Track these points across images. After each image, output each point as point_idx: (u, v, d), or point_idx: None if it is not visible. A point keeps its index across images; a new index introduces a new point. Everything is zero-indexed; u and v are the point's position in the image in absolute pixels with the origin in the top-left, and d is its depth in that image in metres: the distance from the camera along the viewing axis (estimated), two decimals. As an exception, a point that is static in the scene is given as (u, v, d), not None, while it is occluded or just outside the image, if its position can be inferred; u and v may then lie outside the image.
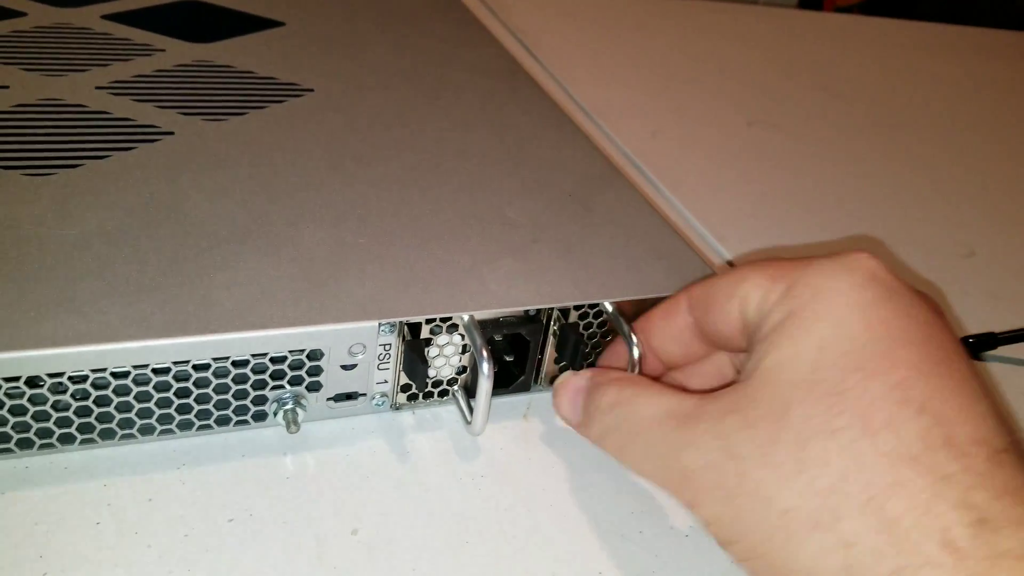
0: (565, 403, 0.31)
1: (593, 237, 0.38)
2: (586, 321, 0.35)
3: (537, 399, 0.36)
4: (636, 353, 0.33)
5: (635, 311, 0.34)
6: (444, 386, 0.34)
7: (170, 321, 0.29)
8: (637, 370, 0.33)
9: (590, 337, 0.35)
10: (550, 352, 0.35)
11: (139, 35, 0.51)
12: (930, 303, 0.27)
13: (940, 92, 0.81)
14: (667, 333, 0.32)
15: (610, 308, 0.34)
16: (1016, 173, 0.66)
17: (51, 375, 0.28)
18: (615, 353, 0.35)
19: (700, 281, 0.31)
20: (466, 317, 0.32)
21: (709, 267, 0.37)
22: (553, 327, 0.35)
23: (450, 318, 0.32)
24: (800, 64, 0.81)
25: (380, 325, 0.31)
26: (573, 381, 0.31)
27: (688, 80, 0.73)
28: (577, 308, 0.34)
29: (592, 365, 0.36)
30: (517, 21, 0.79)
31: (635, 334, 0.33)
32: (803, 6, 1.86)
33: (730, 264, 0.47)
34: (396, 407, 0.34)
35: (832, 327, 0.25)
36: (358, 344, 0.31)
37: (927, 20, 1.06)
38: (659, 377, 0.34)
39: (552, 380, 0.35)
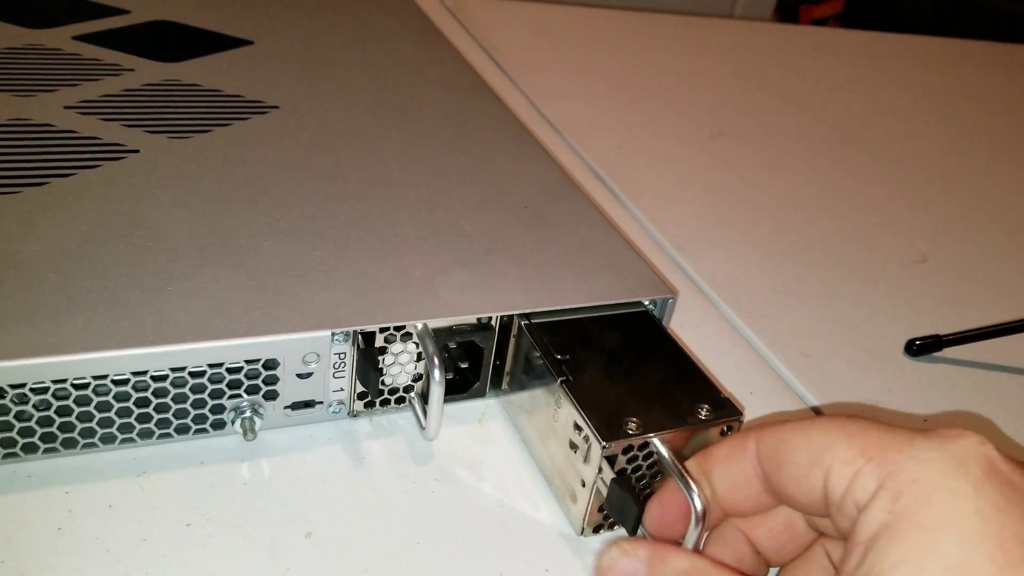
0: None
1: (547, 248, 0.39)
2: (635, 464, 0.30)
3: (492, 405, 0.37)
4: (699, 505, 0.27)
5: (689, 447, 0.31)
6: (400, 393, 0.36)
7: (129, 333, 0.30)
8: (701, 528, 0.27)
9: (639, 479, 0.31)
10: (509, 360, 0.36)
11: (109, 55, 0.52)
12: None
13: (904, 102, 0.83)
14: (730, 478, 0.27)
15: (662, 448, 0.30)
16: (970, 181, 0.67)
17: (13, 386, 0.29)
18: (669, 500, 0.29)
19: (770, 427, 0.27)
20: (419, 325, 0.33)
21: (659, 278, 0.38)
22: (513, 333, 0.36)
23: (404, 327, 0.33)
24: (769, 77, 0.83)
25: (334, 334, 0.32)
26: (624, 566, 0.26)
27: (656, 93, 0.74)
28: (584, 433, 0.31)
29: (644, 501, 0.30)
30: (488, 36, 0.80)
31: (693, 480, 0.28)
32: (782, 17, 1.88)
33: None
34: (353, 414, 0.35)
35: (958, 547, 0.21)
36: (312, 353, 0.32)
37: (909, 32, 1.08)
38: (717, 524, 0.29)
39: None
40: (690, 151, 0.64)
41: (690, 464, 0.29)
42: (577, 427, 0.31)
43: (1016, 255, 0.57)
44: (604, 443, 0.29)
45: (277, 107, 0.48)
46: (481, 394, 0.37)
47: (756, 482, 0.27)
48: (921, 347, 0.44)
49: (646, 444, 0.30)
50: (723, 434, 0.31)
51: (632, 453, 0.30)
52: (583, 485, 0.31)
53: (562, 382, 0.32)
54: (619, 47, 0.85)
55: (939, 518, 0.21)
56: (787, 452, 0.25)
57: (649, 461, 0.31)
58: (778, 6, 1.76)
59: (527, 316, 0.35)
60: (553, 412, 0.33)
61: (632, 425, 0.30)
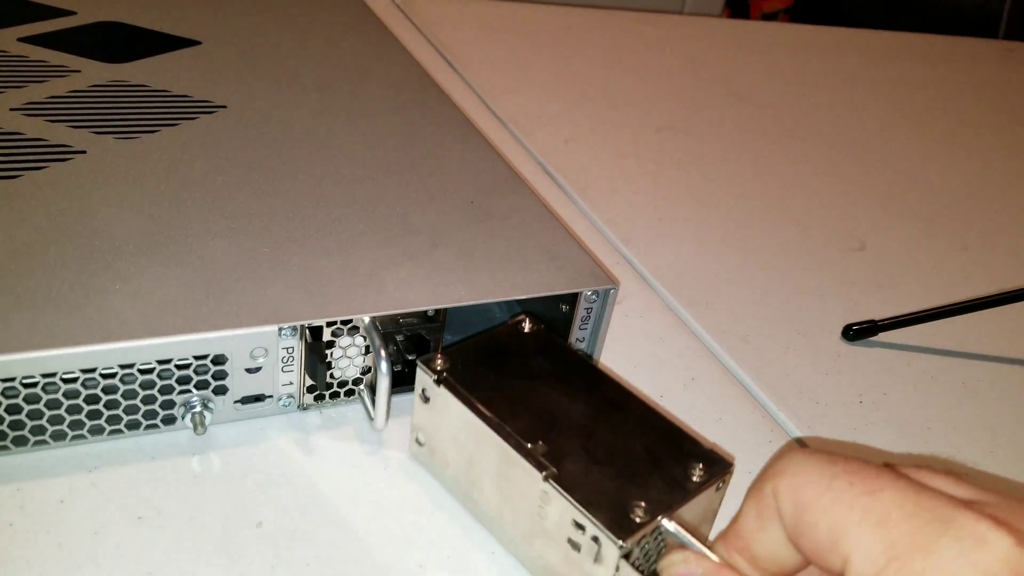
0: None
1: (491, 241, 0.40)
2: (646, 550, 0.28)
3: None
4: None
5: (686, 512, 0.29)
6: (350, 386, 0.36)
7: (76, 331, 0.30)
8: None
9: (647, 556, 0.29)
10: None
11: (56, 56, 0.52)
12: None
13: (844, 95, 0.85)
14: (765, 541, 0.25)
15: (671, 527, 0.28)
16: (908, 171, 0.70)
17: (-39, 386, 0.29)
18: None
19: (788, 481, 0.24)
20: (366, 319, 0.34)
21: (600, 268, 0.39)
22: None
23: (351, 320, 0.34)
24: (715, 72, 0.85)
25: (281, 329, 0.33)
26: (684, 571, 0.26)
27: (605, 89, 0.75)
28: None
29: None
30: (438, 33, 0.81)
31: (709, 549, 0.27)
32: (732, 11, 1.91)
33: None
34: (303, 407, 0.36)
35: None
36: (260, 348, 0.33)
37: (855, 25, 1.11)
38: None
39: None
40: (636, 145, 0.65)
41: (720, 541, 0.26)
42: (579, 526, 0.28)
43: (950, 242, 0.59)
44: (620, 542, 0.27)
45: (225, 107, 0.49)
46: (429, 385, 0.38)
47: (785, 541, 0.25)
48: (857, 332, 0.46)
49: (656, 527, 0.28)
50: (717, 490, 0.30)
51: (644, 540, 0.28)
52: None
53: (547, 476, 0.29)
54: (569, 43, 0.86)
55: None
56: (807, 525, 0.24)
57: (657, 539, 0.28)
58: (728, 1, 1.78)
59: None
60: (538, 509, 0.29)
61: (639, 512, 0.27)
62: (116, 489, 0.31)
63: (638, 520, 0.27)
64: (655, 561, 0.29)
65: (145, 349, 0.31)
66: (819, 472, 0.24)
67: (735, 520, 0.26)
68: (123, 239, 0.36)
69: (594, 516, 0.27)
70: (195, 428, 0.33)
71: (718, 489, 0.30)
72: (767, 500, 0.25)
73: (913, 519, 0.22)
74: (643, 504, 0.27)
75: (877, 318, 0.47)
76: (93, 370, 0.31)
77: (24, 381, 0.30)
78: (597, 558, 0.27)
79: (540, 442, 0.30)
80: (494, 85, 0.72)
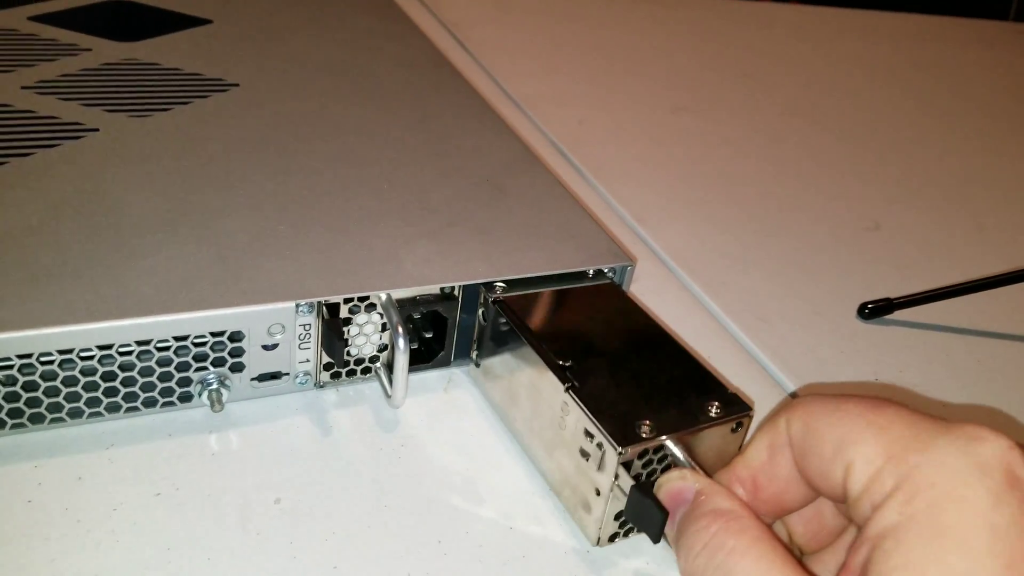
0: (667, 499, 0.27)
1: (507, 219, 0.40)
2: (650, 468, 0.30)
3: (457, 373, 0.38)
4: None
5: (701, 446, 0.30)
6: (367, 363, 0.36)
7: (93, 307, 0.30)
8: None
9: (653, 483, 0.29)
10: (477, 328, 0.37)
11: (66, 35, 0.52)
12: None
13: (857, 76, 0.84)
14: (771, 471, 0.26)
15: (676, 450, 0.29)
16: (921, 151, 0.69)
17: (-22, 362, 0.29)
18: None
19: (801, 408, 0.25)
20: (383, 296, 0.34)
21: (617, 246, 0.39)
22: (481, 303, 0.36)
23: (367, 297, 0.34)
24: (728, 53, 0.84)
25: (298, 306, 0.33)
26: (680, 486, 0.27)
27: (617, 70, 0.75)
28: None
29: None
30: (449, 14, 0.80)
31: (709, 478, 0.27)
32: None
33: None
34: (320, 385, 0.36)
35: (964, 562, 0.20)
36: (277, 325, 0.33)
37: (864, 7, 1.10)
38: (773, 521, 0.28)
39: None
40: (651, 126, 0.65)
41: (724, 471, 0.27)
42: (588, 434, 0.30)
43: (963, 221, 0.59)
44: (620, 449, 0.28)
45: (237, 85, 0.48)
46: (446, 363, 0.38)
47: (797, 473, 0.26)
48: (873, 310, 0.46)
49: (661, 447, 0.29)
50: (733, 431, 0.31)
51: (647, 457, 0.29)
52: (598, 494, 0.30)
53: (568, 388, 0.31)
54: (580, 24, 0.85)
55: (950, 528, 0.20)
56: (814, 441, 0.24)
57: (664, 464, 0.30)
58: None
59: (486, 286, 0.36)
60: (559, 420, 0.31)
61: (645, 428, 0.29)
62: (134, 466, 0.31)
63: (642, 435, 0.29)
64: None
65: (162, 325, 0.30)
66: (829, 399, 0.25)
67: (743, 451, 0.27)
68: (138, 216, 0.35)
69: (601, 424, 0.29)
70: (212, 405, 0.33)
71: (734, 431, 0.31)
72: (779, 429, 0.26)
73: (913, 425, 0.23)
74: (649, 422, 0.29)
75: (891, 296, 0.47)
76: (110, 347, 0.30)
77: (41, 358, 0.30)
78: (600, 465, 0.29)
79: (571, 361, 0.32)
80: (506, 66, 0.71)
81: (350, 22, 0.60)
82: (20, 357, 0.29)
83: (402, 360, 0.33)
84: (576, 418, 0.30)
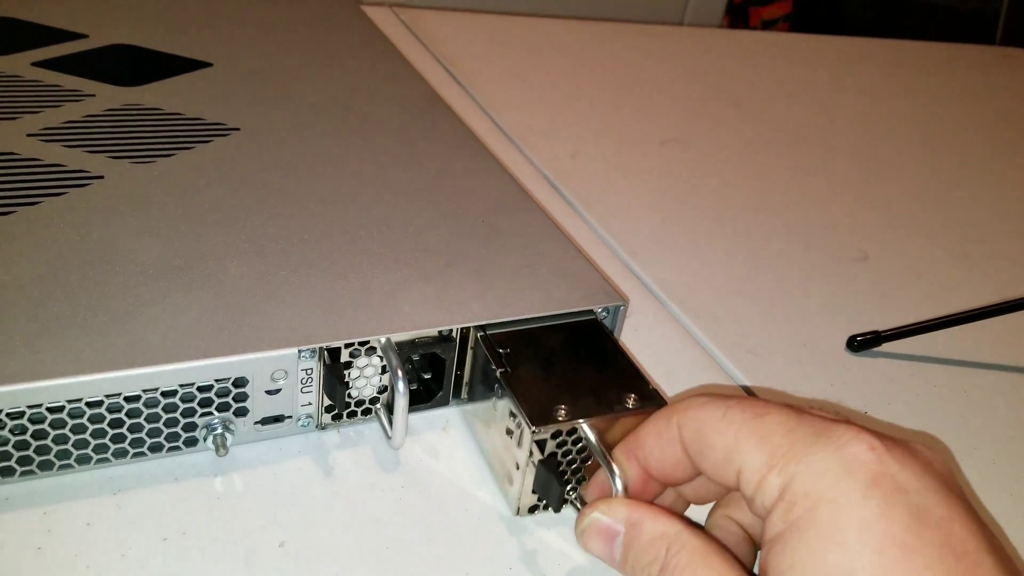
0: (596, 546, 0.29)
1: (503, 259, 0.41)
2: (565, 448, 0.33)
3: (455, 413, 0.39)
4: (619, 486, 0.31)
5: (616, 434, 0.33)
6: (367, 405, 0.37)
7: (100, 356, 0.31)
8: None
9: (570, 463, 0.34)
10: (467, 371, 0.38)
11: (69, 81, 0.53)
12: (937, 477, 0.25)
13: (847, 103, 0.85)
14: (660, 457, 0.30)
15: (589, 433, 0.32)
16: (911, 181, 0.70)
17: (-11, 412, 0.30)
18: (596, 482, 0.33)
19: (691, 410, 0.29)
20: (383, 340, 0.35)
21: (610, 285, 0.40)
22: (471, 345, 0.37)
23: (368, 341, 0.35)
24: (717, 83, 0.85)
25: (300, 351, 0.33)
26: (605, 525, 0.29)
27: (609, 102, 0.76)
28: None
29: (575, 490, 0.34)
30: (443, 49, 0.82)
31: (615, 463, 0.31)
32: (733, 22, 1.92)
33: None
34: (321, 427, 0.37)
35: (841, 557, 0.23)
36: (280, 370, 0.33)
37: (854, 30, 1.12)
38: (659, 494, 0.32)
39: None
40: (642, 158, 0.66)
41: (620, 447, 0.31)
42: (512, 414, 0.33)
43: (951, 251, 0.60)
44: (534, 428, 0.32)
45: (238, 129, 0.49)
46: (444, 403, 0.39)
47: (685, 459, 0.29)
48: (862, 343, 0.47)
49: (574, 430, 0.33)
50: None
51: (561, 438, 0.33)
52: (517, 468, 0.33)
53: (501, 373, 0.35)
54: (572, 57, 0.86)
55: (825, 529, 0.23)
56: (705, 445, 0.28)
57: (579, 446, 0.33)
58: (729, 9, 1.79)
59: (483, 328, 0.37)
60: (494, 402, 0.35)
61: (562, 412, 0.33)
62: (141, 511, 0.32)
63: (557, 417, 0.32)
64: (579, 470, 0.34)
65: (168, 374, 0.31)
66: (717, 406, 0.28)
67: (637, 432, 0.31)
68: (143, 264, 0.36)
69: (522, 405, 0.33)
70: (217, 450, 0.33)
71: None
72: (671, 429, 0.29)
73: (791, 434, 0.26)
74: (566, 408, 0.33)
75: (880, 328, 0.48)
76: (117, 395, 0.31)
77: (50, 406, 0.31)
78: (519, 443, 0.33)
79: (510, 350, 0.36)
80: (499, 100, 0.72)
81: (348, 64, 0.62)
82: (29, 407, 0.30)
83: (402, 403, 0.34)
84: (506, 401, 0.34)
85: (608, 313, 0.39)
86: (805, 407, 0.28)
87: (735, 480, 0.27)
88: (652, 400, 0.34)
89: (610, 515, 0.29)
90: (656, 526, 0.28)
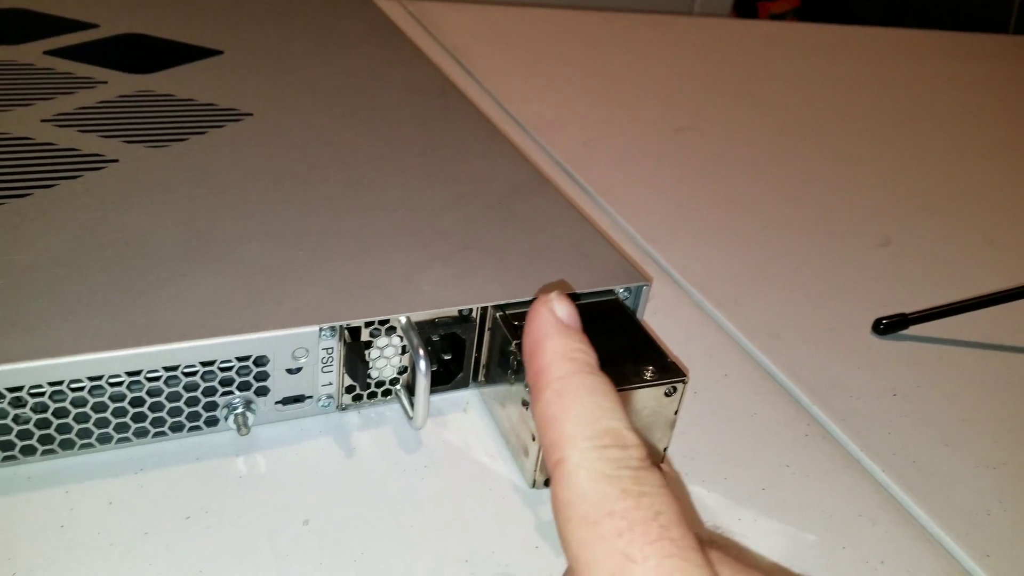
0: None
1: (521, 241, 0.40)
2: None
3: (474, 395, 0.38)
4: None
5: (639, 406, 0.33)
6: (387, 386, 0.37)
7: (121, 334, 0.31)
8: None
9: None
10: (486, 351, 0.38)
11: (81, 68, 0.53)
12: None
13: (860, 92, 0.85)
14: None
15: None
16: (929, 166, 0.70)
17: (10, 390, 0.29)
18: None
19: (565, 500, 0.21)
20: (403, 319, 0.35)
21: (632, 265, 0.40)
22: (488, 325, 0.37)
23: (388, 320, 0.34)
24: (728, 72, 0.85)
25: (321, 330, 0.33)
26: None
27: (620, 91, 0.76)
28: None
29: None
30: (452, 40, 0.81)
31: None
32: (740, 14, 1.91)
33: None
34: (342, 408, 0.36)
35: None
36: (301, 349, 0.33)
37: (860, 24, 1.11)
38: None
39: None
40: (655, 145, 0.66)
41: None
42: (527, 385, 0.32)
43: (974, 235, 0.59)
44: None
45: (251, 114, 0.49)
46: (464, 384, 0.38)
47: None
48: (888, 326, 0.46)
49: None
50: (668, 395, 0.34)
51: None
52: (533, 439, 0.33)
53: (516, 344, 0.34)
54: (581, 47, 0.86)
55: None
56: (561, 534, 0.20)
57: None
58: (736, 3, 1.78)
59: (502, 307, 0.36)
60: (510, 376, 0.35)
61: None
62: (163, 490, 0.31)
63: None
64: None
65: (190, 351, 0.31)
66: (603, 496, 0.20)
67: None
68: (161, 245, 0.36)
69: None
70: (239, 429, 0.33)
71: (668, 395, 0.34)
72: None
73: None
74: None
75: (906, 312, 0.47)
76: (138, 373, 0.31)
77: (71, 385, 0.30)
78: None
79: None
80: (509, 89, 0.72)
81: (356, 50, 0.61)
82: (51, 385, 0.30)
83: (424, 382, 0.34)
84: (522, 371, 0.33)
85: (630, 294, 0.39)
86: (699, 556, 0.19)
87: None
88: (670, 373, 0.34)
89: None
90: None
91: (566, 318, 0.24)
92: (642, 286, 0.38)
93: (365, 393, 0.36)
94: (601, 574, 0.19)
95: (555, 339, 0.23)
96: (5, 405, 0.30)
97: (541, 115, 0.68)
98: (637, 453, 0.21)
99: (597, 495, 0.20)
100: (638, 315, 0.39)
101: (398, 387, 0.37)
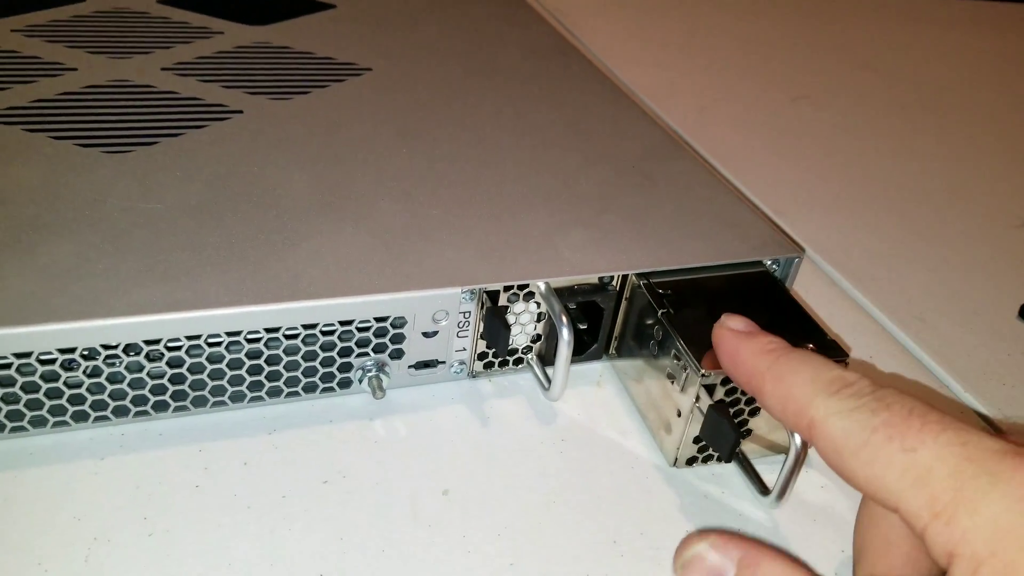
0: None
1: (661, 207, 0.38)
2: (733, 397, 0.30)
3: (608, 367, 0.36)
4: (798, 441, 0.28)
5: None
6: (519, 354, 0.35)
7: (262, 289, 0.29)
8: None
9: (737, 413, 0.31)
10: (620, 323, 0.36)
11: (196, 18, 0.52)
12: None
13: (989, 69, 0.80)
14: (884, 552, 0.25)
15: None
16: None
17: (147, 343, 0.28)
18: None
19: (824, 425, 0.23)
20: (543, 285, 0.33)
21: (784, 236, 0.37)
22: (625, 295, 0.35)
23: (527, 286, 0.33)
24: (842, 42, 0.81)
25: (462, 292, 0.31)
26: (713, 561, 0.23)
27: (731, 58, 0.73)
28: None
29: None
30: (556, 3, 0.79)
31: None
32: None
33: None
34: (473, 375, 0.35)
35: None
36: (441, 311, 0.32)
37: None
38: None
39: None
40: (772, 115, 0.63)
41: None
42: (676, 357, 0.31)
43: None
44: (704, 370, 0.29)
45: (370, 69, 0.48)
46: (597, 356, 0.36)
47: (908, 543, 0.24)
48: (1036, 311, 0.43)
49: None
50: None
51: (732, 384, 0.30)
52: (679, 415, 0.31)
53: (663, 314, 0.32)
54: (689, 13, 0.83)
55: None
56: (847, 473, 0.22)
57: (747, 397, 0.30)
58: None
59: (646, 275, 0.34)
60: (653, 348, 0.33)
61: None
62: (298, 452, 0.30)
63: None
64: (746, 423, 0.31)
65: (332, 309, 0.30)
66: (858, 433, 0.22)
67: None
68: (294, 199, 0.35)
69: (688, 347, 0.30)
70: (374, 392, 0.32)
71: None
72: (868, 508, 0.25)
73: (958, 475, 0.20)
74: None
75: (1050, 298, 0.44)
76: (277, 329, 0.30)
77: (208, 340, 0.29)
78: (684, 387, 0.30)
79: (673, 295, 0.33)
80: (617, 55, 0.69)
81: (469, 8, 0.59)
82: (188, 338, 0.29)
83: (565, 351, 0.32)
84: (667, 342, 0.32)
85: (779, 266, 0.36)
86: (967, 426, 0.21)
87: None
88: (832, 351, 0.31)
89: (721, 550, 0.23)
90: (775, 568, 0.22)
91: (744, 327, 0.27)
92: (794, 258, 0.36)
93: (497, 361, 0.35)
94: (893, 475, 0.21)
95: (747, 344, 0.26)
96: (141, 359, 0.29)
97: (651, 82, 0.65)
98: (864, 382, 0.23)
99: (854, 426, 0.22)
100: (788, 289, 0.37)
101: (531, 356, 0.35)
